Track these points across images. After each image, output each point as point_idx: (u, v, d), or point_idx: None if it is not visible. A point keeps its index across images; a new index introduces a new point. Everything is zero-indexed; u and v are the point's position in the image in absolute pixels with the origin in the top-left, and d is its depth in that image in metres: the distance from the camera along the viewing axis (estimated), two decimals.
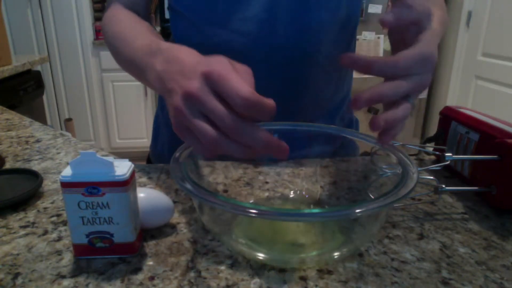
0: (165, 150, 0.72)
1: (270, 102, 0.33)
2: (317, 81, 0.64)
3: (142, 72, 0.46)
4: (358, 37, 2.42)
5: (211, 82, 0.33)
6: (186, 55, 0.38)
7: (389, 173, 0.42)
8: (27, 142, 0.71)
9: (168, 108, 0.37)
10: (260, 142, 0.33)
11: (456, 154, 0.56)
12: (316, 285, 0.35)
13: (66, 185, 0.35)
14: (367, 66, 0.40)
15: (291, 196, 0.51)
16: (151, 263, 0.37)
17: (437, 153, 0.57)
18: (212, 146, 0.34)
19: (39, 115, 2.01)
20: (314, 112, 0.67)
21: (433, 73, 0.44)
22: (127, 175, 0.35)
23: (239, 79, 0.33)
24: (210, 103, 0.33)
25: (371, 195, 0.44)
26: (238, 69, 0.35)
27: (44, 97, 2.24)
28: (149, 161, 0.78)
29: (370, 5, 2.40)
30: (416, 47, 0.40)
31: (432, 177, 0.50)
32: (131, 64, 0.50)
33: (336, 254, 0.37)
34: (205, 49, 0.41)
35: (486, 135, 0.51)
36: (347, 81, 0.71)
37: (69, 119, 2.80)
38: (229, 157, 0.35)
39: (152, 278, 0.35)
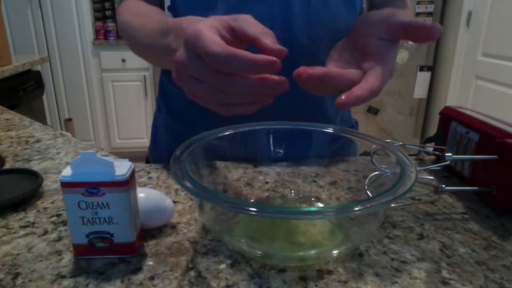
0: (164, 151, 0.72)
1: (243, 53, 0.31)
2: None
3: (160, 55, 0.47)
4: None
5: (190, 45, 0.33)
6: (187, 23, 0.39)
7: (389, 173, 0.42)
8: (27, 142, 0.71)
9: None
10: (255, 85, 0.33)
11: (456, 154, 0.56)
12: (316, 285, 0.35)
13: (66, 185, 0.35)
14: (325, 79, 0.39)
15: (291, 196, 0.51)
16: (151, 263, 0.37)
17: (437, 153, 0.57)
18: (214, 101, 0.35)
19: (39, 115, 2.01)
20: (314, 113, 0.67)
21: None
22: (127, 175, 0.35)
23: (210, 36, 0.32)
24: (191, 66, 0.33)
25: (370, 195, 0.44)
26: (236, 18, 0.35)
27: (44, 97, 2.24)
28: (147, 162, 0.78)
29: None
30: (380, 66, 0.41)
31: (432, 177, 0.50)
32: (147, 49, 0.51)
33: (335, 252, 0.37)
34: None
35: (486, 135, 0.51)
36: None
37: (69, 119, 2.80)
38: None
39: (152, 278, 0.35)
